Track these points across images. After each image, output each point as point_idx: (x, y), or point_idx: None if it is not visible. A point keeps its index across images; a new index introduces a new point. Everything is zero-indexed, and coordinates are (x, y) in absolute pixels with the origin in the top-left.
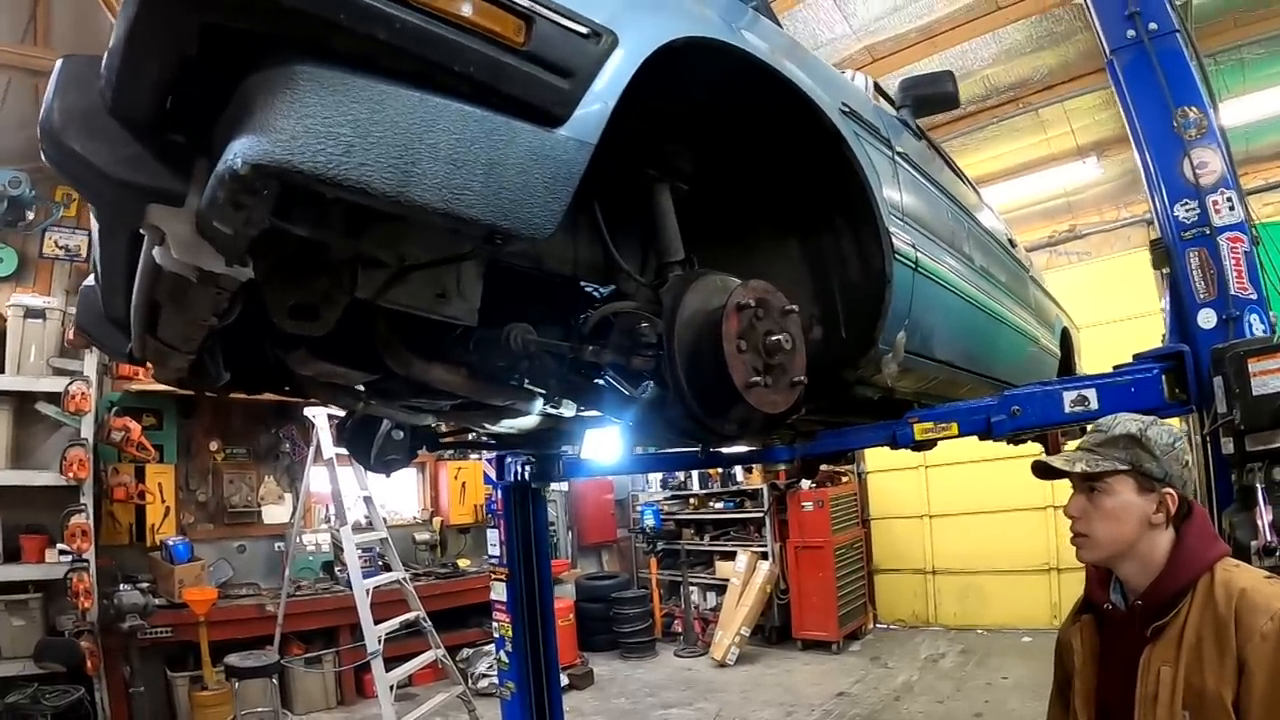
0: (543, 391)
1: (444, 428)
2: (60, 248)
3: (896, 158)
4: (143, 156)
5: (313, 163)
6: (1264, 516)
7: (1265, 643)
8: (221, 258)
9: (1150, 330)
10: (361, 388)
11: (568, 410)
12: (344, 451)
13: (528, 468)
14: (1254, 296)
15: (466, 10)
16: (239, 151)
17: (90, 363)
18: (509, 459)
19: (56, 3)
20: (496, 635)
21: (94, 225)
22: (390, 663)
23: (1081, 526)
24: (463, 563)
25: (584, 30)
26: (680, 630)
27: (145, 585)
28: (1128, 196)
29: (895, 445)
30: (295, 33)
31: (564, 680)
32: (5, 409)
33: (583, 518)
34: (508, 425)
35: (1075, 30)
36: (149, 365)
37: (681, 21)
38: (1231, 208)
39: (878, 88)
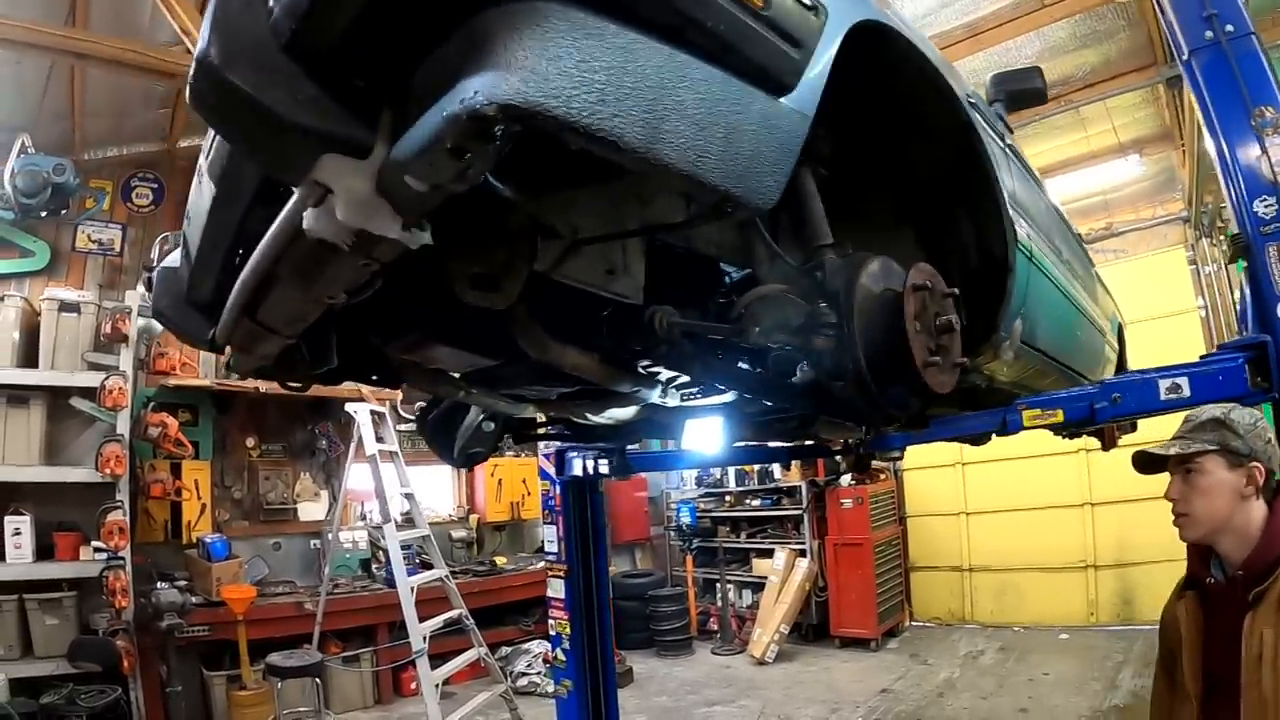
0: (679, 376)
1: (541, 418)
2: (93, 241)
3: (1008, 150)
4: (323, 99)
5: (567, 107)
6: None
7: None
8: (397, 221)
9: (1184, 328)
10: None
11: (673, 400)
12: (386, 447)
13: (602, 461)
14: None
15: None
16: (482, 88)
17: (126, 357)
18: (572, 454)
19: None
20: (554, 633)
21: (200, 194)
22: (431, 661)
23: (1181, 507)
24: (499, 560)
25: (808, 1)
26: (717, 628)
27: (182, 583)
28: (1163, 195)
29: (1004, 431)
30: None
31: None
32: (39, 405)
33: (615, 515)
34: (609, 416)
35: (1119, 28)
36: (226, 352)
37: (863, 5)
38: None
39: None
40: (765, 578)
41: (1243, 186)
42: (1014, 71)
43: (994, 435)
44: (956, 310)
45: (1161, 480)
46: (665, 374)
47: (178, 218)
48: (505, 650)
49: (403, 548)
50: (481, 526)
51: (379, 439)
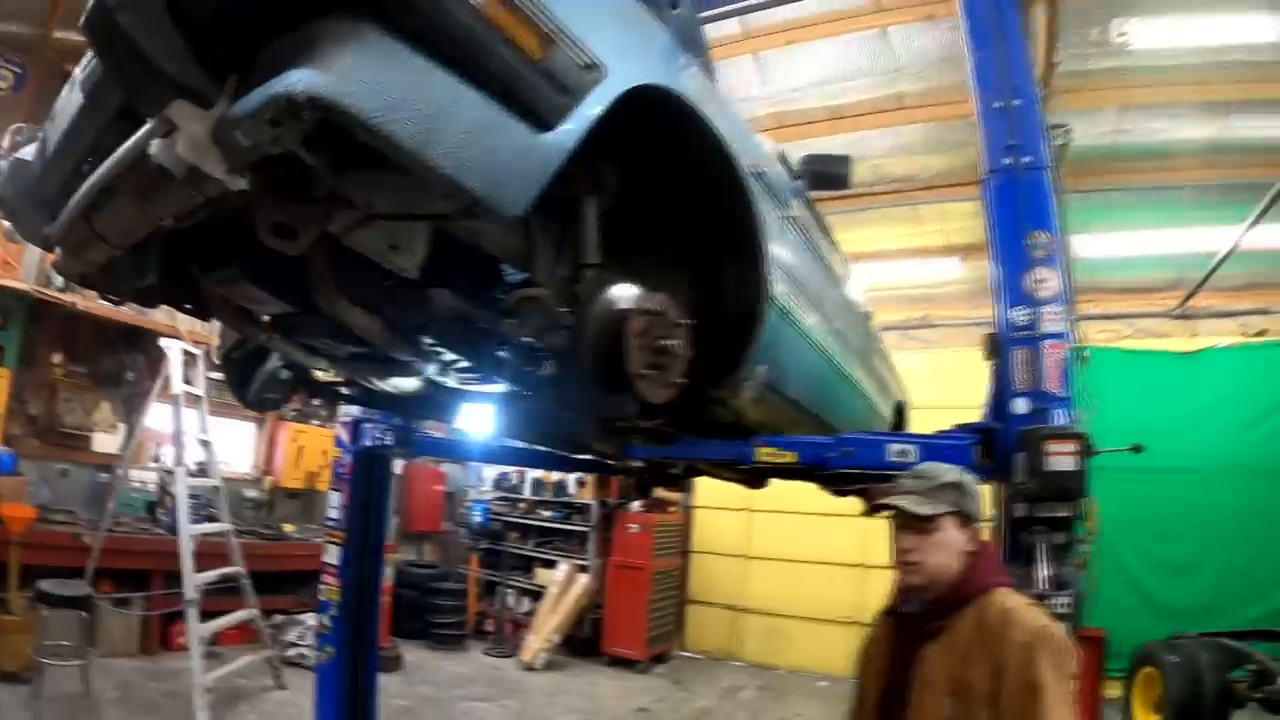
0: (447, 353)
1: (331, 376)
2: None
3: (786, 220)
4: (187, 55)
5: (360, 108)
6: (1041, 570)
7: (1020, 649)
8: (223, 165)
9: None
10: (267, 319)
11: (451, 380)
12: (193, 390)
13: (388, 435)
14: (1062, 395)
15: (508, 21)
16: (301, 79)
17: None
18: (366, 425)
19: None
20: (323, 599)
21: (69, 100)
22: (202, 617)
23: (914, 556)
24: (287, 527)
25: (584, 61)
26: (493, 629)
27: None
28: (979, 300)
29: (740, 462)
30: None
31: None
32: None
33: (410, 504)
34: (393, 385)
35: (968, 142)
36: (55, 254)
37: (650, 69)
38: (1057, 321)
39: (782, 156)
40: (545, 587)
41: (1006, 295)
42: (825, 155)
43: (741, 468)
44: (687, 340)
45: None
46: (446, 355)
47: (34, 108)
48: (279, 619)
49: (191, 496)
50: (275, 490)
51: (187, 380)
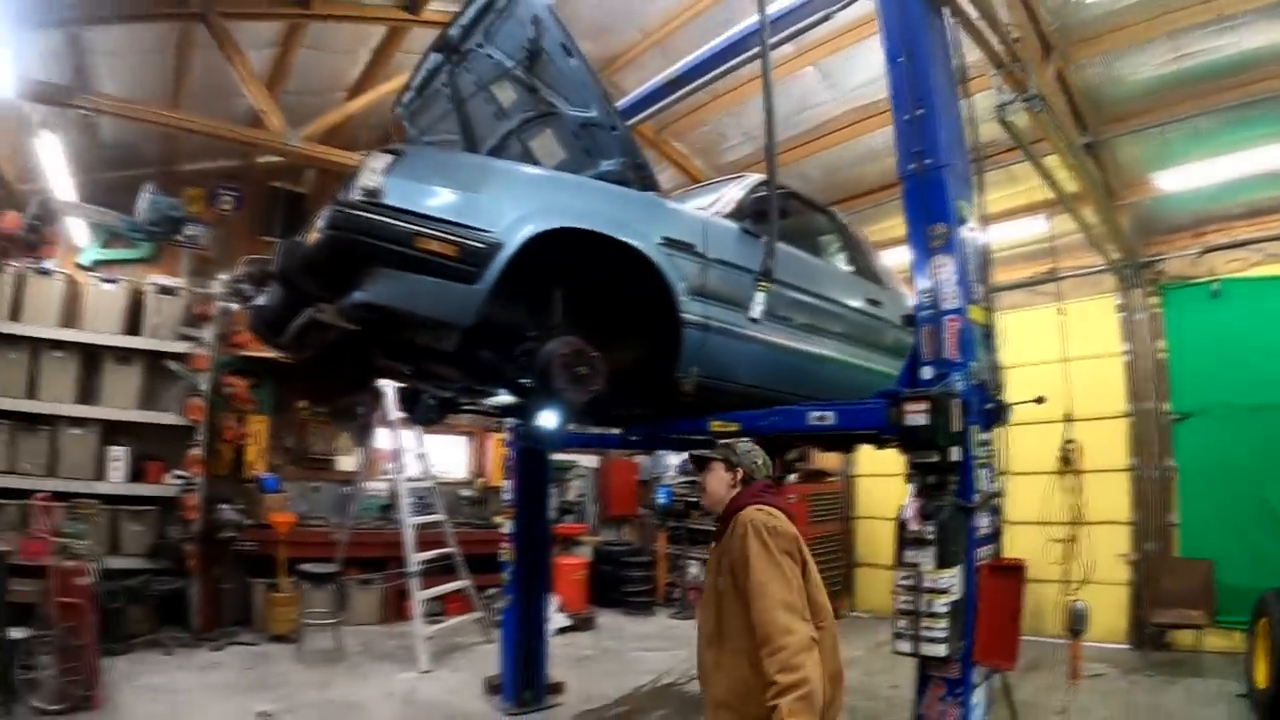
0: (494, 383)
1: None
2: (185, 238)
3: (710, 261)
4: (318, 288)
5: (379, 304)
6: (911, 506)
7: (740, 536)
8: (341, 322)
9: (1111, 370)
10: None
11: (507, 398)
12: (405, 414)
13: (520, 430)
14: (959, 361)
15: (434, 247)
16: (356, 295)
17: (210, 332)
18: (519, 429)
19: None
20: (503, 559)
21: (275, 291)
22: (425, 589)
23: (702, 486)
24: (498, 518)
25: (484, 244)
26: (679, 597)
27: (240, 508)
28: (1104, 246)
29: (699, 434)
30: (387, 259)
31: (570, 622)
32: (140, 364)
33: (608, 492)
34: (487, 403)
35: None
36: (282, 346)
37: (546, 221)
38: (955, 298)
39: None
40: None
41: (916, 279)
42: (760, 197)
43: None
44: (599, 365)
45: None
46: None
47: (252, 222)
48: (491, 591)
49: (412, 496)
50: (487, 488)
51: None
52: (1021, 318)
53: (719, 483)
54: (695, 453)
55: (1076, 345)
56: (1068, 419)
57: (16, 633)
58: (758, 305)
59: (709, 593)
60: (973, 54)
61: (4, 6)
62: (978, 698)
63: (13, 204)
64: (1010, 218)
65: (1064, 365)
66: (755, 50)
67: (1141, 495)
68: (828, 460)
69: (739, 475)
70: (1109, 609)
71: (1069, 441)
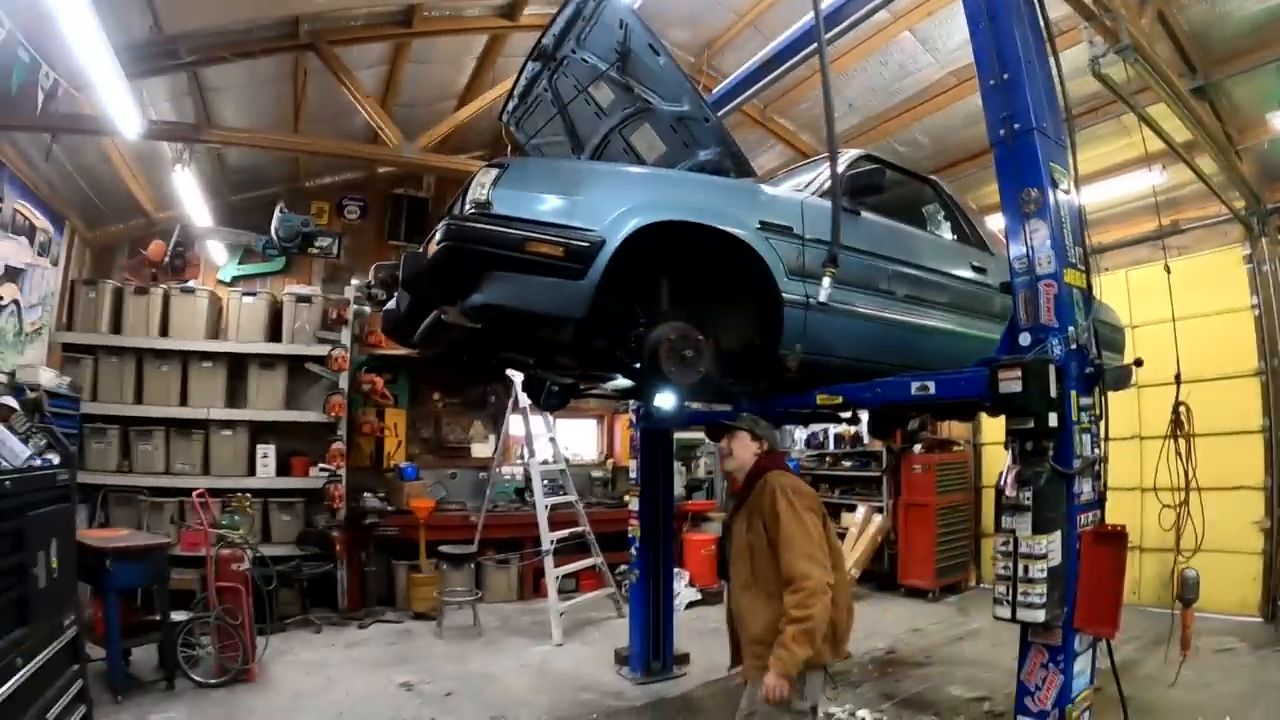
0: (609, 369)
1: (578, 386)
2: (316, 248)
3: (807, 242)
4: (440, 295)
5: (496, 304)
6: (1009, 472)
7: (769, 496)
8: (463, 322)
9: (1238, 325)
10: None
11: (623, 382)
12: (532, 403)
13: (643, 411)
14: (1056, 326)
15: (542, 249)
16: (475, 298)
17: (346, 335)
18: (640, 410)
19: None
20: (630, 535)
21: (401, 295)
22: (558, 566)
23: (727, 451)
24: (627, 497)
25: (588, 242)
26: None
27: (381, 496)
28: (1227, 194)
29: (806, 407)
30: (500, 263)
31: (699, 596)
32: (282, 368)
33: None
34: (606, 387)
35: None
36: (413, 345)
37: (645, 216)
38: (1050, 263)
39: (867, 160)
40: (847, 529)
41: (1011, 246)
42: (862, 172)
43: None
44: (704, 348)
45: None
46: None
47: (379, 228)
48: (623, 567)
49: (545, 479)
50: (616, 469)
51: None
52: (1143, 275)
53: (746, 450)
54: (722, 422)
55: (1200, 301)
56: (1177, 380)
57: (178, 616)
58: (825, 290)
59: (740, 547)
60: (1060, 9)
61: (127, 56)
62: (1080, 665)
63: (155, 233)
64: (1123, 171)
65: (1176, 324)
66: (850, 21)
67: (1276, 458)
68: (955, 429)
69: (764, 445)
70: (1240, 580)
71: (1180, 403)
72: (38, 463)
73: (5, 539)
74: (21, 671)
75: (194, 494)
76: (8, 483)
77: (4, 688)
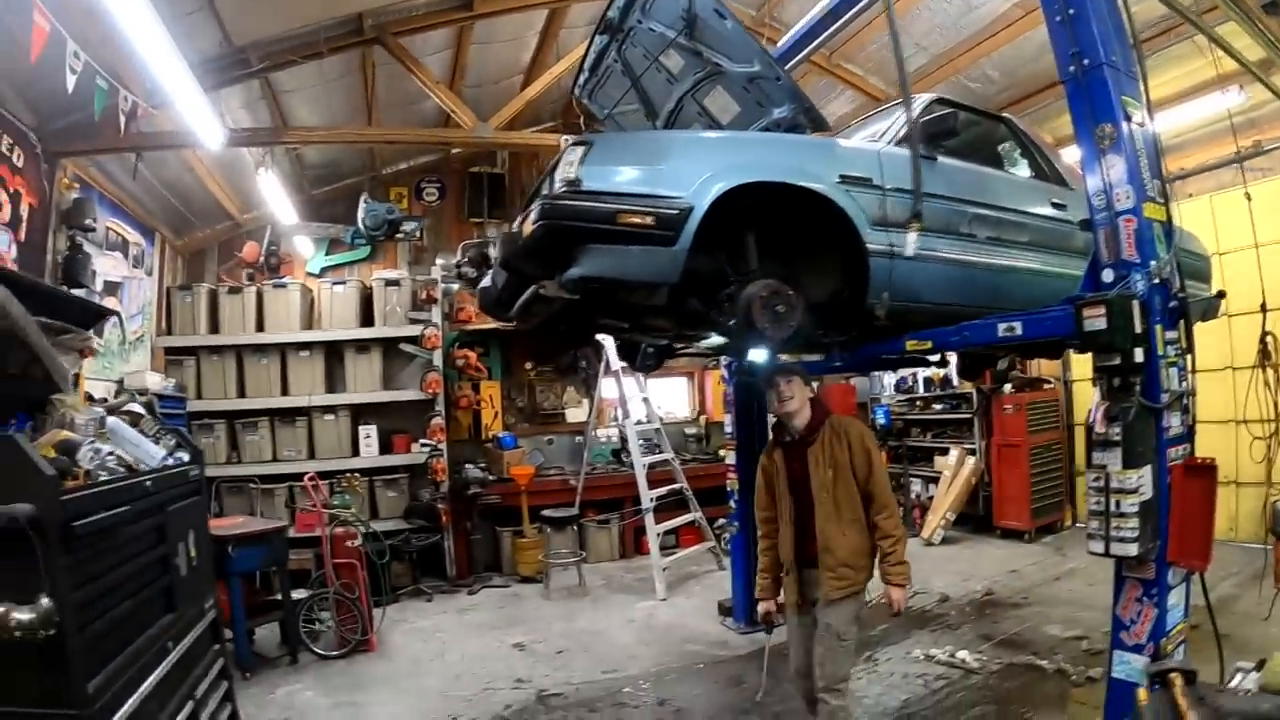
0: (703, 328)
1: (673, 346)
2: (403, 233)
3: (887, 192)
4: (540, 269)
5: (594, 275)
6: (1098, 408)
7: (857, 435)
8: (562, 294)
9: None
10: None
11: (717, 339)
12: (625, 364)
13: (735, 366)
14: (1138, 261)
15: (632, 221)
16: (573, 271)
17: (436, 313)
18: (732, 365)
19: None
20: (728, 489)
21: (496, 273)
22: (658, 523)
23: (786, 394)
24: (721, 452)
25: (676, 209)
26: (903, 516)
27: (482, 466)
28: None
29: (897, 354)
30: (595, 236)
31: None
32: (377, 351)
33: None
34: (700, 345)
35: None
36: (511, 319)
37: (729, 179)
38: (1129, 198)
39: (940, 104)
40: (941, 473)
41: (1088, 183)
42: (936, 117)
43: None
44: (795, 302)
45: None
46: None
47: (458, 207)
48: (721, 521)
49: (640, 439)
50: (709, 424)
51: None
52: (1228, 200)
53: (803, 393)
54: (781, 366)
55: None
56: (1263, 309)
57: (298, 594)
58: (911, 244)
59: (824, 482)
60: None
61: (201, 71)
62: (1174, 599)
63: (242, 235)
64: (1202, 92)
65: (1260, 251)
66: None
67: None
68: (1044, 367)
69: (813, 389)
70: None
71: (1267, 333)
72: (171, 461)
73: (151, 534)
74: (173, 654)
75: (305, 478)
76: (149, 483)
77: (159, 669)
